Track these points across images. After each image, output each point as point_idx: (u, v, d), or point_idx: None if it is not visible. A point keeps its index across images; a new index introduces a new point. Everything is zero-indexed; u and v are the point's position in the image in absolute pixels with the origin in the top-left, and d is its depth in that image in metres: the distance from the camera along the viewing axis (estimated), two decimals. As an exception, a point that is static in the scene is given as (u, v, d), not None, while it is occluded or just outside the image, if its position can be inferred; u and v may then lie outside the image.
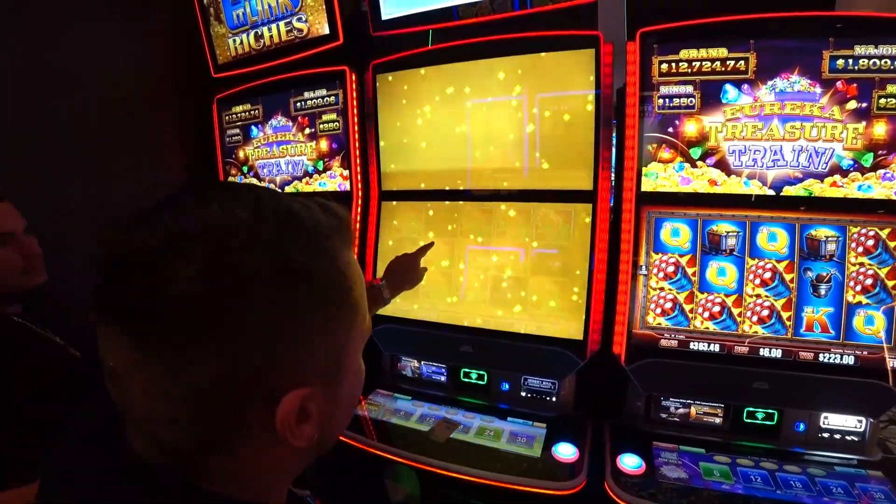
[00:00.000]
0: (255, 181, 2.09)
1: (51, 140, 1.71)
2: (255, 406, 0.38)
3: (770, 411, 1.32)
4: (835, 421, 1.28)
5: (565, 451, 1.29)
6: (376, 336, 1.77)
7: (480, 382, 1.64)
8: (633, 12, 1.42)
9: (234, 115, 2.08)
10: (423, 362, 1.73)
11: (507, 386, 1.60)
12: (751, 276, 1.34)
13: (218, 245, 0.35)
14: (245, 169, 2.12)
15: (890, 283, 1.23)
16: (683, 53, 1.33)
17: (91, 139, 1.83)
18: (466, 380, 1.66)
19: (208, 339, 0.34)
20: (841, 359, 1.25)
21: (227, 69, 2.05)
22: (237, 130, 2.10)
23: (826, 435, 1.28)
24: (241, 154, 2.11)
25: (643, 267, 1.43)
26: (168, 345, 0.34)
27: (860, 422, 1.26)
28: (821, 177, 1.26)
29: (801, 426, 1.29)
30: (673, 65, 1.35)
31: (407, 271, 1.35)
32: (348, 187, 1.85)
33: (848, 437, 1.27)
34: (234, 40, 1.98)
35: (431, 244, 1.42)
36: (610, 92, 1.48)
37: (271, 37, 1.88)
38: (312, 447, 0.43)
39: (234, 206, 0.37)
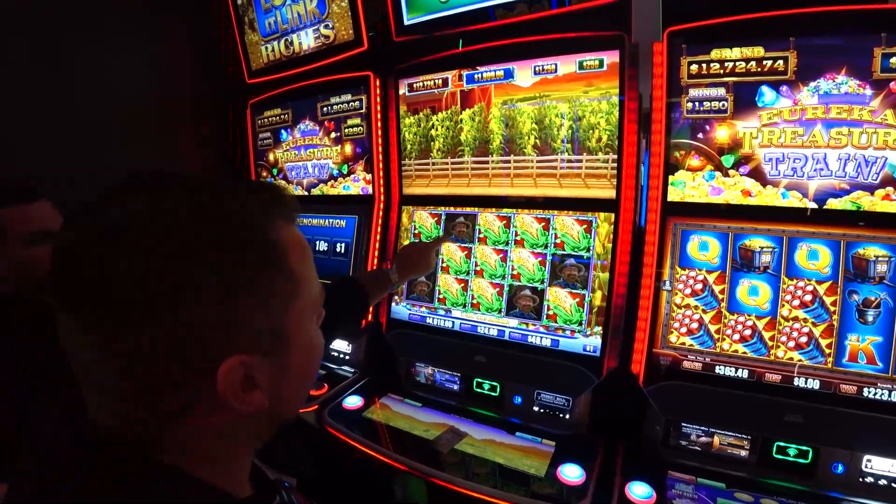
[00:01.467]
0: (283, 183, 2.15)
1: (80, 144, 1.84)
2: (194, 373, 0.41)
3: (804, 448, 1.19)
4: (880, 465, 1.13)
5: (571, 473, 1.22)
6: (391, 340, 1.77)
7: (493, 394, 1.60)
8: (669, 11, 1.33)
9: (266, 120, 2.16)
10: (436, 370, 1.71)
11: (519, 399, 1.55)
12: (787, 297, 1.21)
13: (144, 232, 0.39)
14: (275, 171, 2.19)
15: (952, 312, 1.07)
16: (715, 53, 1.23)
17: (122, 143, 1.97)
18: (479, 390, 1.62)
19: (141, 314, 0.38)
20: (889, 395, 1.10)
21: (260, 75, 2.13)
22: (268, 134, 2.17)
23: (869, 480, 1.14)
24: (272, 157, 2.18)
25: (667, 282, 1.34)
26: (108, 321, 0.38)
27: (911, 468, 1.11)
28: (871, 189, 1.12)
29: (840, 468, 1.16)
30: (703, 66, 1.25)
31: (419, 258, 1.42)
32: (371, 191, 1.86)
33: (895, 485, 1.12)
34: (266, 48, 2.05)
35: (448, 236, 1.62)
36: (636, 95, 1.40)
37: (300, 44, 1.93)
38: (265, 417, 0.47)
39: (160, 196, 0.41)
